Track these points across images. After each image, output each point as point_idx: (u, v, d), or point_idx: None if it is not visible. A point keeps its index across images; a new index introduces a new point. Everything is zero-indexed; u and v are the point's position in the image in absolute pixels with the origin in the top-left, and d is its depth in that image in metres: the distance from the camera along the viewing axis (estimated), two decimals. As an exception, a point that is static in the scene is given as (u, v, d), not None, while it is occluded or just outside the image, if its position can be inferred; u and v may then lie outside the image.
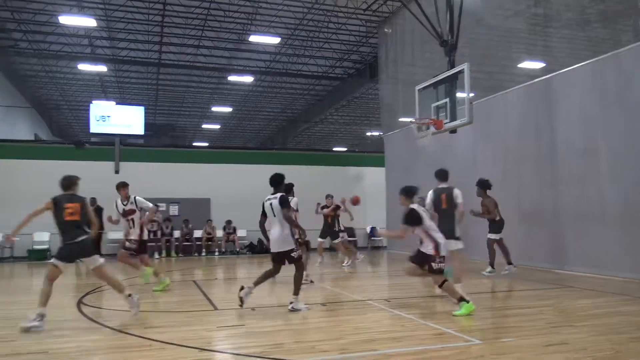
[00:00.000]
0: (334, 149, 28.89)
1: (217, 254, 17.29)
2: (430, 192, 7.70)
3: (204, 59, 22.87)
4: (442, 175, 7.81)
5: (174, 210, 17.39)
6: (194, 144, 31.93)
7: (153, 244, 16.20)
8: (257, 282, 6.84)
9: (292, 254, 6.63)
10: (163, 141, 24.37)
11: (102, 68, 22.13)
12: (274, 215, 6.67)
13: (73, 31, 20.06)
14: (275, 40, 19.99)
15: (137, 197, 8.77)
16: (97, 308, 7.01)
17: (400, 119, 17.08)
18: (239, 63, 23.76)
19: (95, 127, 17.28)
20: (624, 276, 9.04)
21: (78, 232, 5.98)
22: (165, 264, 14.63)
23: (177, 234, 17.22)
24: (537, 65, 12.96)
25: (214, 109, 28.96)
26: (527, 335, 5.08)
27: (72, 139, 26.48)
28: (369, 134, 31.14)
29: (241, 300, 6.56)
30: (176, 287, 10.12)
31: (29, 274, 13.04)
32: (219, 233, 17.68)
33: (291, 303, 6.56)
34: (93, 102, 18.26)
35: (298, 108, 30.91)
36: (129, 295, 6.10)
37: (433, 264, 6.16)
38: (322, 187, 19.46)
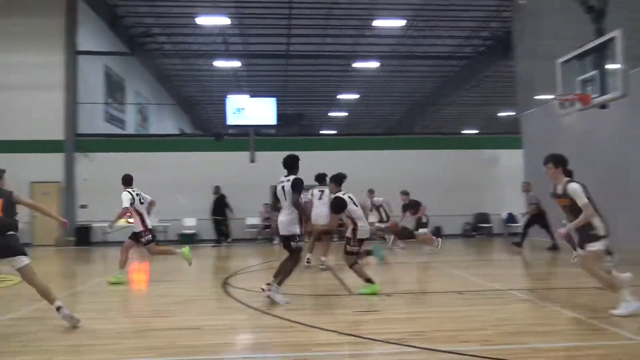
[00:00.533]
0: (463, 131, 27.73)
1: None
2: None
3: (330, 47, 23.19)
4: None
5: (306, 197, 17.91)
6: (322, 131, 32.62)
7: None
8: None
9: (292, 242, 6.35)
10: (293, 130, 25.21)
11: (235, 63, 23.40)
12: (285, 199, 6.48)
13: (209, 31, 21.47)
14: (401, 22, 19.62)
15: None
16: (241, 289, 7.42)
17: (539, 97, 15.87)
18: (364, 49, 23.71)
19: (232, 119, 18.33)
20: None
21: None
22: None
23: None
24: None
25: (340, 96, 29.30)
26: None
27: (212, 131, 28.44)
28: (501, 114, 29.41)
29: (268, 297, 6.20)
30: (310, 272, 10.45)
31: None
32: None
33: (269, 290, 6.17)
34: (229, 96, 19.31)
35: (425, 91, 30.15)
36: (58, 308, 5.18)
37: (347, 246, 6.86)
38: (452, 171, 18.90)
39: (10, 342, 4.77)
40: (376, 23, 19.52)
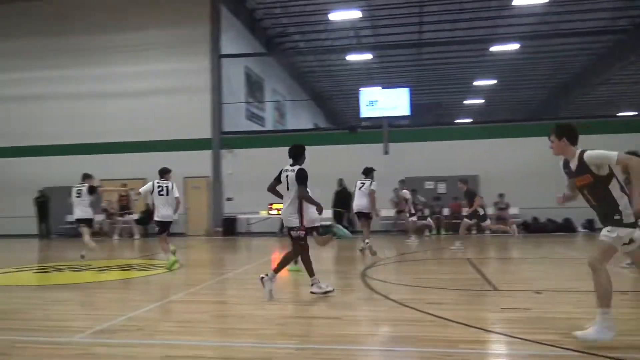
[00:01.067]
0: (620, 114, 24.91)
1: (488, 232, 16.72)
2: None
3: (463, 33, 22.23)
4: None
5: (441, 188, 17.43)
6: (457, 120, 31.48)
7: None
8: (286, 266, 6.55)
9: (293, 232, 6.22)
10: (427, 120, 24.64)
11: (367, 56, 23.44)
12: (287, 189, 6.19)
13: (341, 25, 21.74)
14: (544, -2, 18.15)
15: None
16: (380, 281, 7.39)
17: None
18: (503, 31, 22.35)
19: (365, 111, 18.41)
20: None
21: None
22: (434, 241, 14.80)
23: (446, 211, 17.25)
24: None
25: (476, 83, 28.01)
26: None
27: (345, 124, 28.87)
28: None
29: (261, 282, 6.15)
30: (448, 265, 10.12)
31: (317, 247, 14.61)
32: (490, 210, 17.07)
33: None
34: (361, 88, 19.40)
35: (572, 71, 27.64)
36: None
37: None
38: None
39: (166, 323, 5.23)
40: (516, 2, 18.26)
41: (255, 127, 22.05)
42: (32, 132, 19.91)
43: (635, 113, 23.70)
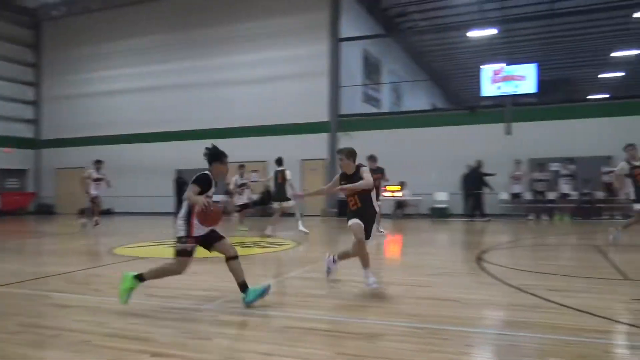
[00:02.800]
0: None
1: (618, 218, 15.33)
2: None
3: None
4: None
5: (571, 170, 16.19)
6: (591, 97, 28.90)
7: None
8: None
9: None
10: (557, 97, 22.94)
11: (492, 31, 22.30)
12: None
13: (464, 1, 20.89)
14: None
15: None
16: (497, 265, 7.19)
17: None
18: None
19: (487, 90, 17.61)
20: None
21: None
22: (556, 227, 13.92)
23: (574, 194, 16.09)
24: None
25: (615, 54, 25.42)
26: None
27: (465, 104, 27.86)
28: None
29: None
30: (573, 251, 9.52)
31: (433, 230, 14.51)
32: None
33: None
34: (483, 66, 18.53)
35: None
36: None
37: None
38: None
39: (287, 297, 5.58)
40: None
41: (372, 110, 22.11)
42: (165, 118, 21.85)
43: None
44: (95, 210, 14.19)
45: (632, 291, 5.53)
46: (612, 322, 4.26)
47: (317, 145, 19.51)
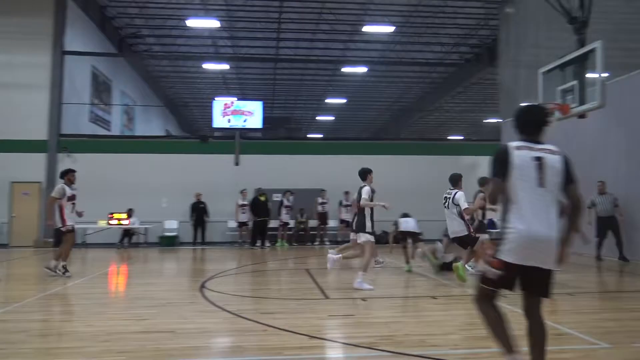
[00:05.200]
0: (449, 137, 27.95)
1: (328, 243, 17.55)
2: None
3: (319, 52, 23.29)
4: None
5: (290, 200, 17.85)
6: (309, 135, 32.71)
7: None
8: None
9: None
10: (280, 134, 25.26)
11: (224, 66, 23.40)
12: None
13: (199, 33, 21.45)
14: (390, 29, 19.74)
15: None
16: (219, 292, 7.41)
17: (521, 105, 16.05)
18: (353, 54, 23.84)
19: (218, 122, 18.31)
20: None
21: None
22: (278, 252, 15.18)
23: (292, 223, 17.75)
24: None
25: (328, 100, 29.39)
26: (668, 343, 4.52)
27: (198, 133, 28.40)
28: (486, 121, 29.69)
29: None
30: (289, 275, 10.48)
31: (160, 259, 14.20)
32: (332, 223, 17.97)
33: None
34: (216, 98, 19.27)
35: (412, 97, 30.35)
36: None
37: None
38: (436, 176, 18.96)
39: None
40: (366, 29, 19.64)
41: (101, 131, 20.69)
42: None
43: (461, 137, 26.72)
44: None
45: (330, 308, 6.35)
46: (310, 338, 4.80)
47: (33, 166, 17.20)
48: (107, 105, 21.87)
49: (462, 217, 8.25)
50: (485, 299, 3.37)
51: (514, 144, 3.33)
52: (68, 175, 9.57)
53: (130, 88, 25.32)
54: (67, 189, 9.34)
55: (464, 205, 8.07)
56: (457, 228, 8.30)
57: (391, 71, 25.75)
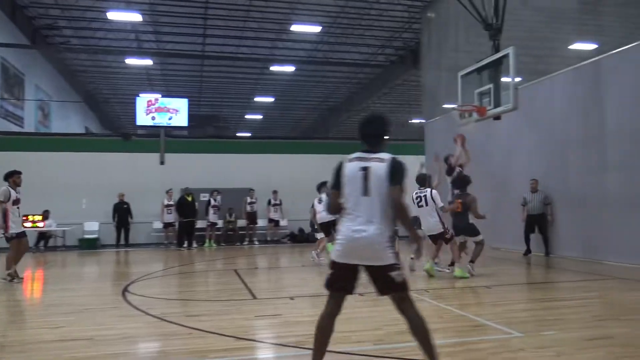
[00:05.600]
0: (377, 137, 28.62)
1: (257, 243, 17.48)
2: None
3: (247, 50, 23.06)
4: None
5: (218, 200, 17.58)
6: (238, 134, 32.35)
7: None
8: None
9: None
10: (207, 132, 24.81)
11: (148, 62, 22.65)
12: None
13: (120, 26, 20.60)
14: (317, 28, 19.89)
15: None
16: (142, 296, 7.19)
17: (443, 106, 16.72)
18: (281, 53, 23.81)
19: (142, 119, 17.72)
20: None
21: None
22: (206, 253, 14.93)
23: (220, 223, 17.50)
24: (588, 46, 12.40)
25: (257, 99, 29.20)
26: (570, 329, 4.89)
27: (120, 131, 27.31)
28: (413, 121, 30.66)
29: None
30: (217, 276, 10.34)
31: (79, 262, 13.56)
32: (261, 222, 17.91)
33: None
34: (140, 95, 18.63)
35: (340, 97, 30.75)
36: None
37: None
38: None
39: None
40: (293, 28, 19.69)
41: (13, 128, 19.38)
42: None
43: (387, 137, 27.42)
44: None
45: (257, 308, 6.33)
46: (236, 339, 4.77)
47: None
48: (19, 100, 20.53)
49: (439, 215, 8.63)
50: (328, 303, 3.58)
51: (349, 157, 3.56)
52: (13, 177, 8.96)
53: (46, 82, 23.89)
54: (12, 191, 8.70)
55: (439, 203, 8.58)
56: (433, 226, 8.69)
57: (319, 71, 25.97)
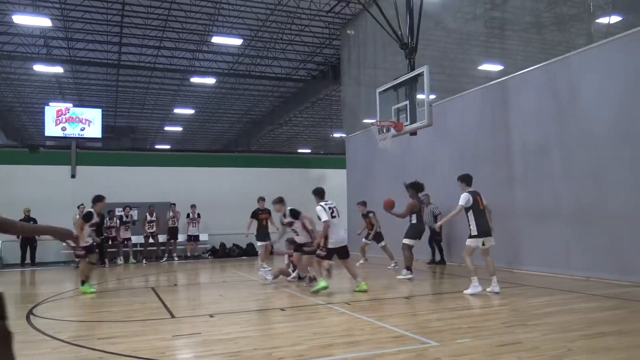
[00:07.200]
0: (299, 150, 28.83)
1: (176, 259, 16.97)
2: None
3: (166, 60, 22.50)
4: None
5: (134, 215, 16.90)
6: (157, 146, 31.36)
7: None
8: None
9: None
10: (123, 144, 23.83)
11: (58, 69, 21.49)
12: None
13: (28, 31, 19.42)
14: (238, 41, 19.81)
15: None
16: (50, 319, 6.73)
17: (362, 121, 17.17)
18: (202, 64, 23.46)
19: (51, 130, 16.73)
20: (575, 274, 9.30)
21: None
22: (122, 271, 14.29)
23: (135, 239, 16.76)
24: (495, 67, 13.22)
25: (177, 110, 28.51)
26: (482, 336, 5.14)
27: (27, 142, 25.59)
28: (335, 135, 31.21)
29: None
30: (133, 295, 9.90)
31: (-20, 284, 12.49)
32: (181, 237, 17.39)
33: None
34: (49, 104, 17.60)
35: (262, 110, 30.73)
36: None
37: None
38: (286, 189, 19.43)
39: None
40: (215, 40, 19.48)
41: None
42: None
43: (309, 151, 27.72)
44: None
45: (176, 327, 6.11)
46: (153, 361, 4.58)
47: None
48: None
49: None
50: None
51: None
52: None
53: (-60, 89, 22.02)
54: None
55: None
56: (344, 238, 9.13)
57: (241, 84, 25.84)
